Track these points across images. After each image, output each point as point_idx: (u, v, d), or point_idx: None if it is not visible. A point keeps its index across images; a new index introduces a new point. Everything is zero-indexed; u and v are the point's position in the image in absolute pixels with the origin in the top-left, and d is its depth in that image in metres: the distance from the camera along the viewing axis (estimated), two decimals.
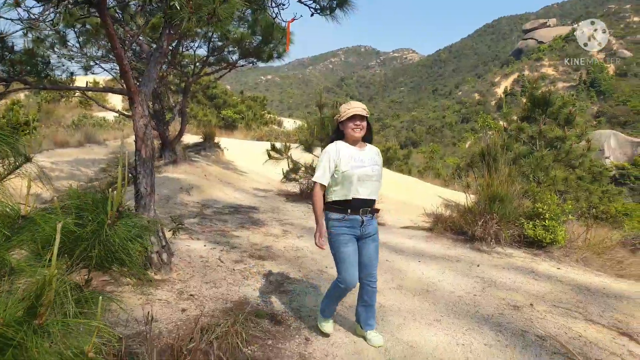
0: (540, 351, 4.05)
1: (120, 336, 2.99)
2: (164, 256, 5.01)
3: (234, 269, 5.44)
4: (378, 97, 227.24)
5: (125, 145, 17.16)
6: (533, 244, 7.71)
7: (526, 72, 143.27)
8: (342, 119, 3.68)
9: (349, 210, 3.63)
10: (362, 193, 3.63)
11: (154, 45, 6.75)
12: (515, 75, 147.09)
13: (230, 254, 5.99)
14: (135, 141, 4.97)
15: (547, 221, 7.56)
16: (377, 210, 3.81)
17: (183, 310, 4.17)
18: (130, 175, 4.94)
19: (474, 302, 5.14)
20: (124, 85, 5.00)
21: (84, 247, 2.15)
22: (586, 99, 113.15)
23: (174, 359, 2.64)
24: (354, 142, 3.73)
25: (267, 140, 22.39)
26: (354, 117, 3.62)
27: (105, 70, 11.59)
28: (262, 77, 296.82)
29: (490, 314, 4.84)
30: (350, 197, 3.61)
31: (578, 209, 10.56)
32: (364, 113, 3.63)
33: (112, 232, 2.18)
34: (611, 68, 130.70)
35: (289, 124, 41.09)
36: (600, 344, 4.32)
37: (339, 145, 3.71)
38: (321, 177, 3.67)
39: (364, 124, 3.68)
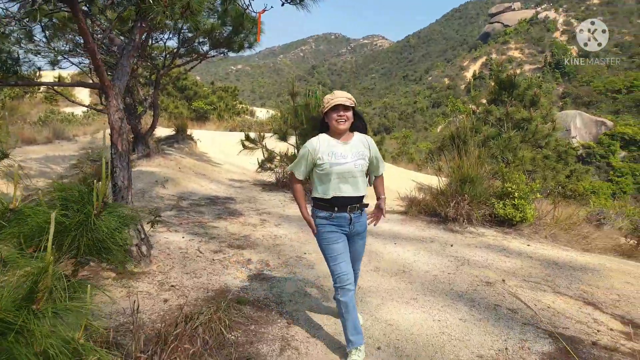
0: (512, 323, 4.25)
1: (106, 328, 3.06)
2: (144, 249, 5.07)
3: (213, 259, 5.52)
4: (350, 85, 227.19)
5: (95, 141, 16.97)
6: (504, 223, 7.96)
7: (494, 56, 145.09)
8: (325, 110, 3.45)
9: (335, 209, 3.46)
10: (345, 190, 3.43)
11: (122, 38, 6.72)
12: (483, 59, 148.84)
13: (209, 245, 6.07)
14: (111, 135, 5.00)
15: (516, 200, 7.81)
16: (366, 205, 3.61)
17: (165, 300, 4.24)
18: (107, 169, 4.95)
19: (449, 280, 5.33)
20: (98, 80, 5.01)
21: (72, 238, 2.22)
22: (552, 81, 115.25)
23: (161, 344, 2.73)
24: (338, 135, 3.49)
25: (240, 131, 22.33)
26: (337, 108, 3.39)
27: (73, 64, 11.44)
28: (233, 67, 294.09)
29: (464, 290, 5.04)
30: (329, 196, 3.43)
31: (546, 188, 10.88)
32: (348, 103, 3.38)
33: (99, 222, 2.25)
34: (574, 50, 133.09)
35: (262, 113, 40.94)
36: (567, 314, 4.55)
37: (320, 139, 3.50)
38: (295, 168, 3.56)
39: (349, 114, 3.43)
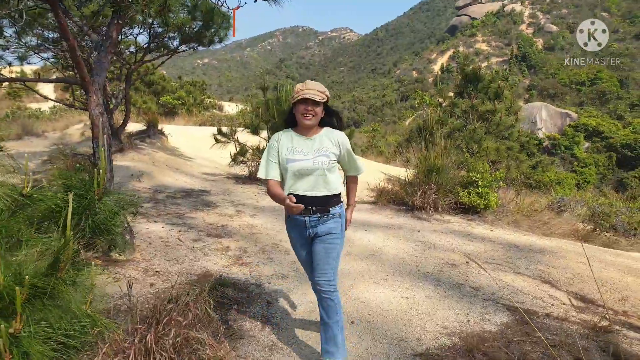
0: (475, 299, 4.62)
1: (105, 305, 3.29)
2: (127, 237, 5.27)
3: (193, 247, 5.76)
4: (318, 78, 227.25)
5: (65, 137, 16.88)
6: (468, 210, 8.38)
7: (461, 49, 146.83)
8: (293, 101, 3.16)
9: None
10: (300, 188, 3.15)
11: (95, 35, 6.84)
12: (450, 52, 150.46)
13: (189, 234, 6.29)
14: (92, 129, 5.19)
15: (480, 188, 8.23)
16: (327, 211, 3.22)
17: (151, 284, 4.48)
18: (89, 162, 5.15)
19: (416, 263, 5.68)
20: (73, 75, 5.18)
21: (77, 220, 2.46)
22: (518, 73, 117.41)
23: (157, 317, 2.99)
24: (305, 131, 3.23)
25: (210, 125, 22.38)
26: (305, 101, 3.09)
27: (43, 59, 11.42)
28: (199, 61, 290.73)
29: (431, 271, 5.40)
30: (285, 193, 3.15)
31: (509, 177, 11.38)
32: (318, 98, 3.08)
33: (101, 205, 2.50)
34: (540, 42, 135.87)
35: (230, 108, 40.84)
36: (525, 291, 4.95)
37: (284, 134, 3.28)
38: (263, 172, 3.27)
39: (318, 109, 3.13)
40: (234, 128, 11.12)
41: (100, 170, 2.54)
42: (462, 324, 4.02)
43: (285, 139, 3.25)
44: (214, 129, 11.75)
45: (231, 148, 11.16)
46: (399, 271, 5.36)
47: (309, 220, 3.22)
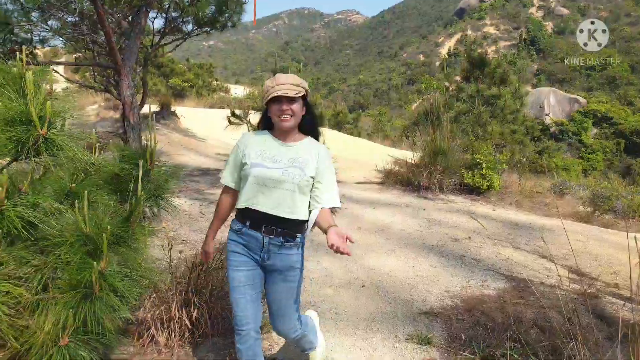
0: (475, 269, 5.05)
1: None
2: (154, 209, 5.71)
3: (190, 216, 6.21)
4: (324, 61, 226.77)
5: (82, 117, 17.27)
6: (472, 191, 8.78)
7: (469, 32, 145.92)
8: (265, 101, 2.61)
9: (248, 223, 2.60)
10: (262, 203, 2.54)
11: (123, 21, 7.20)
12: (458, 36, 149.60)
13: (210, 208, 6.72)
14: (124, 109, 5.60)
15: (484, 170, 8.61)
16: (294, 237, 2.61)
17: (180, 252, 4.91)
18: (120, 139, 5.57)
19: (421, 237, 6.11)
20: (110, 59, 5.58)
21: (133, 186, 2.88)
22: (527, 57, 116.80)
23: (196, 271, 3.46)
24: (282, 135, 2.66)
25: (220, 108, 22.79)
26: (278, 100, 2.53)
27: (68, 42, 11.75)
28: (205, 43, 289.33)
29: (435, 245, 5.83)
30: (241, 205, 2.60)
31: (513, 161, 11.74)
32: (292, 93, 2.50)
33: (154, 174, 2.92)
34: (549, 26, 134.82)
35: (237, 90, 41.13)
36: (523, 264, 5.37)
37: (257, 136, 2.73)
38: (224, 175, 2.80)
39: (296, 107, 2.55)
40: (246, 111, 11.50)
41: (153, 143, 2.95)
42: (464, 289, 4.45)
43: (257, 140, 2.68)
44: (224, 112, 12.15)
45: (244, 130, 11.55)
46: (406, 244, 5.78)
47: (269, 242, 2.57)
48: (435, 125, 9.38)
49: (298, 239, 2.64)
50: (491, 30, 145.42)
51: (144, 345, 3.30)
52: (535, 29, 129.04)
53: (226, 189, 2.82)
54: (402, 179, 9.38)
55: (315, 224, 2.58)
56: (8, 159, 2.24)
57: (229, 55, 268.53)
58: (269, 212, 2.53)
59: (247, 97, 26.79)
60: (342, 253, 2.20)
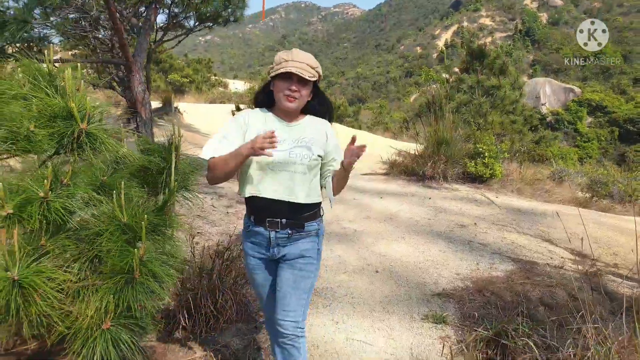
0: (483, 252, 5.20)
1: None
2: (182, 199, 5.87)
3: (227, 212, 6.35)
4: (322, 55, 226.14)
5: None
6: (475, 179, 8.94)
7: (465, 24, 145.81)
8: (272, 74, 2.36)
9: (252, 219, 2.45)
10: (268, 189, 2.34)
11: (133, 18, 7.31)
12: (454, 27, 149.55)
13: (221, 201, 6.88)
14: (135, 105, 5.73)
15: (486, 159, 8.76)
16: (301, 226, 2.41)
17: (196, 242, 5.06)
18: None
19: (429, 224, 6.26)
20: (120, 56, 5.70)
21: (163, 178, 3.03)
22: (522, 48, 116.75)
23: (218, 258, 3.61)
24: (285, 115, 2.44)
25: (221, 103, 22.91)
26: (289, 77, 2.30)
27: (65, 39, 11.85)
28: (201, 38, 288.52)
29: (443, 231, 5.98)
30: (245, 194, 2.42)
31: (513, 150, 11.90)
32: (307, 75, 2.28)
33: (180, 165, 3.06)
34: (544, 17, 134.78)
35: (235, 85, 41.19)
36: (527, 247, 5.52)
37: (256, 113, 2.51)
38: (209, 151, 2.53)
39: (305, 91, 2.35)
40: (252, 106, 11.62)
41: (177, 137, 3.09)
42: (473, 271, 4.61)
43: (257, 119, 2.46)
44: (225, 107, 12.30)
45: None
46: (414, 231, 5.94)
47: (275, 236, 2.40)
48: (437, 116, 9.52)
49: (308, 229, 2.43)
50: (487, 21, 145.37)
51: (170, 333, 3.44)
52: (530, 20, 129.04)
53: (210, 160, 2.50)
54: (406, 170, 9.52)
55: (334, 184, 2.44)
56: (49, 153, 2.39)
57: (225, 50, 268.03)
58: (278, 199, 2.33)
59: (248, 92, 26.92)
60: (357, 155, 2.20)
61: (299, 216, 2.40)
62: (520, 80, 13.43)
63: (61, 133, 2.20)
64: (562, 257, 5.21)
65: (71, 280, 2.24)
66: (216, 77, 41.13)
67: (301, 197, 2.35)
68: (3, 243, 1.87)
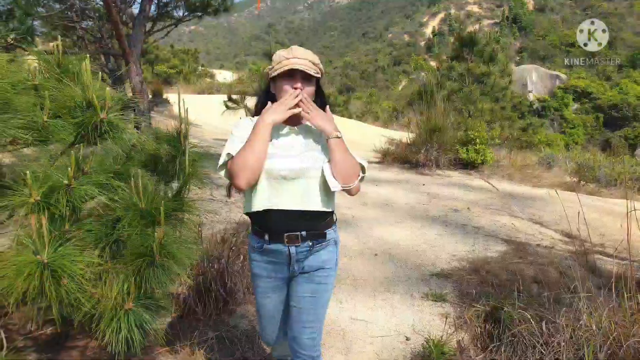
0: (477, 235, 5.38)
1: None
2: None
3: (227, 201, 6.46)
4: (309, 43, 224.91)
5: None
6: (467, 166, 9.13)
7: (452, 11, 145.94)
8: (273, 74, 2.16)
9: (266, 236, 2.18)
10: (282, 201, 2.10)
11: (128, 9, 7.35)
12: (442, 15, 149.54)
13: (219, 191, 6.98)
14: (132, 95, 5.81)
15: (477, 145, 8.94)
16: (322, 235, 2.20)
17: (200, 231, 5.18)
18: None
19: (424, 209, 6.43)
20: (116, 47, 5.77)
21: (171, 166, 3.14)
22: (509, 35, 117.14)
23: (227, 246, 3.73)
24: (289, 119, 2.17)
25: (209, 94, 22.88)
26: (292, 74, 2.11)
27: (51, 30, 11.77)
28: (186, 28, 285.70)
29: (438, 215, 6.15)
30: (256, 207, 2.14)
31: (503, 135, 12.12)
32: (313, 71, 2.11)
33: (188, 154, 3.17)
34: (530, 4, 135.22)
35: (221, 76, 41.02)
36: (519, 229, 5.71)
37: (254, 123, 2.21)
38: (223, 154, 2.33)
39: (309, 89, 2.17)
40: (243, 95, 11.68)
41: (185, 125, 3.20)
42: (469, 253, 4.78)
43: None
44: (215, 97, 12.30)
45: (240, 114, 11.73)
46: (410, 216, 6.10)
47: (296, 251, 2.16)
48: (430, 103, 9.67)
49: (329, 236, 2.24)
50: (475, 8, 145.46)
51: (182, 316, 3.57)
52: (517, 6, 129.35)
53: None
54: (400, 158, 9.68)
55: (333, 169, 2.11)
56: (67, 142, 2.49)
57: (210, 40, 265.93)
58: (295, 209, 2.10)
59: (236, 82, 26.88)
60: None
61: (318, 225, 2.19)
62: (509, 68, 13.61)
63: (81, 123, 2.30)
64: (552, 238, 5.40)
65: (95, 263, 2.35)
66: (203, 68, 40.97)
67: (319, 204, 2.13)
68: (33, 228, 1.98)
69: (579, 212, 3.19)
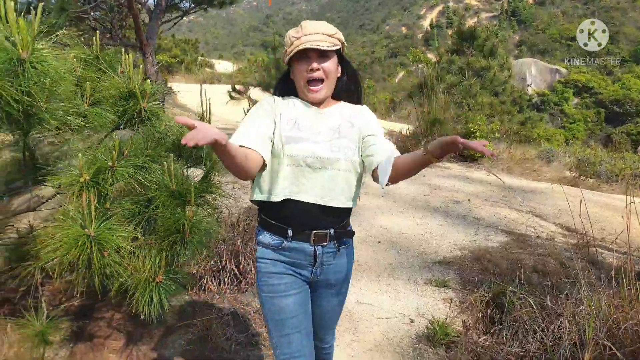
0: (478, 226, 5.58)
1: None
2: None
3: (233, 187, 6.64)
4: None
5: None
6: (467, 159, 9.33)
7: (450, 4, 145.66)
8: (287, 57, 1.94)
9: (289, 233, 1.89)
10: (306, 191, 1.86)
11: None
12: (440, 7, 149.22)
13: (226, 178, 7.10)
14: None
15: (477, 139, 9.13)
16: (351, 234, 2.11)
17: (209, 215, 5.37)
18: None
19: (425, 200, 6.63)
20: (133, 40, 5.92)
21: (196, 151, 3.32)
22: (508, 29, 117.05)
23: (241, 227, 3.93)
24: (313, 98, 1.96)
25: (211, 83, 22.98)
26: (304, 55, 1.88)
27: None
28: (185, 18, 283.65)
29: (439, 206, 6.35)
30: (277, 197, 1.86)
31: (502, 129, 12.32)
32: (326, 45, 1.85)
33: None
34: None
35: (221, 66, 41.03)
36: (519, 222, 5.90)
37: (281, 100, 2.01)
38: (246, 135, 1.84)
39: (329, 65, 1.90)
40: (247, 86, 11.86)
41: (208, 113, 3.37)
42: (470, 242, 4.98)
43: (285, 104, 1.98)
44: (217, 87, 12.47)
45: (244, 105, 11.90)
46: (412, 206, 6.30)
47: (322, 251, 1.94)
48: (430, 96, 9.86)
49: (352, 238, 2.11)
50: (473, 1, 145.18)
51: (197, 293, 3.77)
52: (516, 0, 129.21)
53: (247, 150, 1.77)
54: (400, 149, 9.76)
55: (399, 167, 1.80)
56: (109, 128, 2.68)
57: (209, 30, 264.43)
58: (317, 203, 1.86)
59: (236, 73, 26.98)
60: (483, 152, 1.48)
61: (342, 222, 2.01)
62: (509, 62, 13.80)
63: (124, 110, 2.49)
64: (552, 231, 5.60)
65: (130, 238, 2.54)
66: (203, 58, 40.99)
67: (341, 201, 1.92)
68: (83, 205, 2.16)
69: (580, 201, 3.28)
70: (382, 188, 1.86)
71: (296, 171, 1.85)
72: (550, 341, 2.81)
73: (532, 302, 3.11)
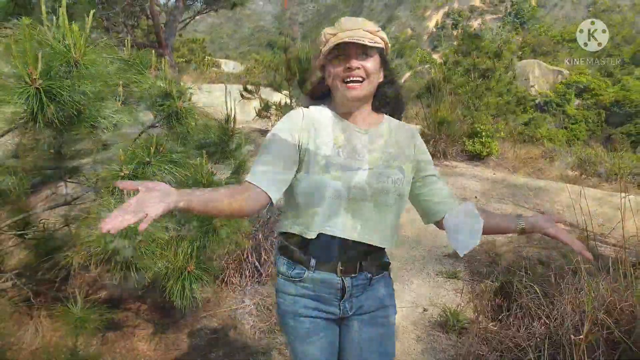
0: None
1: None
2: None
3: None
4: (313, 35, 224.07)
5: None
6: (473, 158, 9.53)
7: (455, 5, 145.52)
8: (321, 61, 1.63)
9: (312, 262, 1.62)
10: (347, 227, 1.60)
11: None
12: (445, 9, 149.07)
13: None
14: None
15: (484, 138, 9.33)
16: (387, 265, 1.83)
17: None
18: None
19: None
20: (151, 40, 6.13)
21: (222, 148, 3.52)
22: (512, 30, 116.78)
23: (262, 222, 4.14)
24: (352, 113, 1.65)
25: (220, 83, 23.12)
26: (343, 50, 1.54)
27: None
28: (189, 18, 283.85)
29: None
30: (312, 233, 1.58)
31: (508, 130, 12.51)
32: (367, 41, 1.50)
33: (235, 138, 3.55)
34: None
35: (227, 66, 41.10)
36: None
37: (318, 112, 1.67)
38: (254, 172, 1.55)
39: (370, 65, 1.55)
40: (258, 86, 12.03)
41: (233, 112, 3.58)
42: None
43: (322, 121, 1.64)
44: (230, 87, 12.59)
45: (255, 105, 12.09)
46: None
47: (352, 283, 1.66)
48: (438, 97, 10.06)
49: (387, 267, 1.82)
50: (477, 3, 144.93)
51: (219, 286, 3.97)
52: (520, 1, 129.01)
53: (249, 187, 1.51)
54: None
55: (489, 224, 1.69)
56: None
57: (214, 29, 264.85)
58: (352, 239, 1.60)
59: (244, 73, 27.12)
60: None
61: (378, 255, 1.75)
62: (514, 63, 14.00)
63: (161, 109, 2.70)
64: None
65: (163, 229, 2.74)
66: (210, 57, 41.10)
67: (384, 239, 1.70)
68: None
69: (581, 194, 3.46)
70: (462, 256, 1.65)
71: (337, 202, 1.57)
72: (553, 325, 3.01)
73: (537, 290, 3.30)
